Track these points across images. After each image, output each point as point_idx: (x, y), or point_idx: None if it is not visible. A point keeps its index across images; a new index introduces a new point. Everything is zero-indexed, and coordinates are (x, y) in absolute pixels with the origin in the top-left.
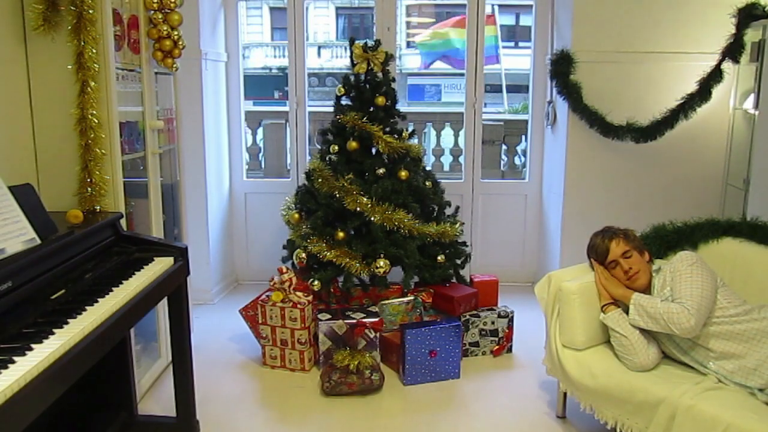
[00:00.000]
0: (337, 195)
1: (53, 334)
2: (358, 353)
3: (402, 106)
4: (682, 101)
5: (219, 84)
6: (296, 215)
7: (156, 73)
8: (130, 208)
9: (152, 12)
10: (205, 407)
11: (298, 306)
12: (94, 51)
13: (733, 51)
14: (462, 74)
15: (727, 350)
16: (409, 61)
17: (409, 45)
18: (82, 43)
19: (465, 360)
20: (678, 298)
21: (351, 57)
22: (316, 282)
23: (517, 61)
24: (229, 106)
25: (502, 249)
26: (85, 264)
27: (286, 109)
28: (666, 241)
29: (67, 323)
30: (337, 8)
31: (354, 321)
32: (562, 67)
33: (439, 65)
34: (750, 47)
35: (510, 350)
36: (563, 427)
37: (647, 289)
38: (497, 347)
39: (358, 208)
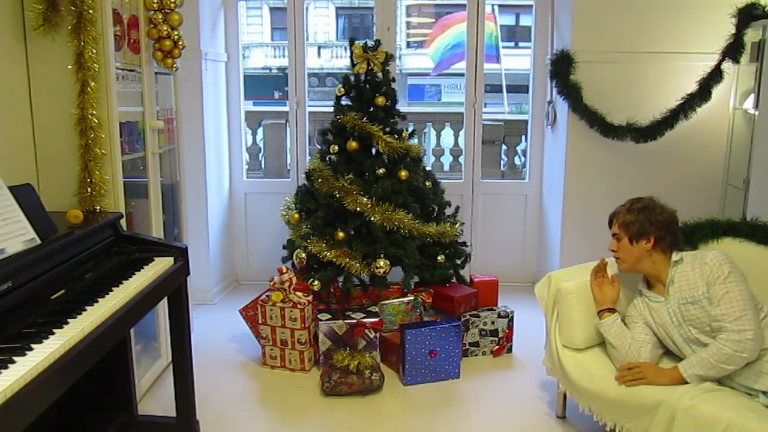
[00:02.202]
0: (337, 195)
1: (53, 334)
2: (358, 353)
3: (402, 106)
4: (682, 101)
5: (219, 84)
6: (296, 215)
7: (156, 73)
8: (130, 208)
9: (152, 12)
10: (205, 407)
11: (298, 306)
12: (94, 51)
13: (733, 51)
14: (462, 74)
15: None
16: (409, 61)
17: (409, 45)
18: (82, 43)
19: (465, 360)
20: (723, 315)
21: (351, 57)
22: (316, 282)
23: (517, 61)
24: (229, 106)
25: (502, 249)
26: (85, 264)
27: (286, 109)
28: None
29: (67, 323)
30: (337, 8)
31: (354, 321)
32: (562, 67)
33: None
34: (750, 47)
35: (510, 350)
36: (563, 427)
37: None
38: (497, 347)
39: (358, 208)
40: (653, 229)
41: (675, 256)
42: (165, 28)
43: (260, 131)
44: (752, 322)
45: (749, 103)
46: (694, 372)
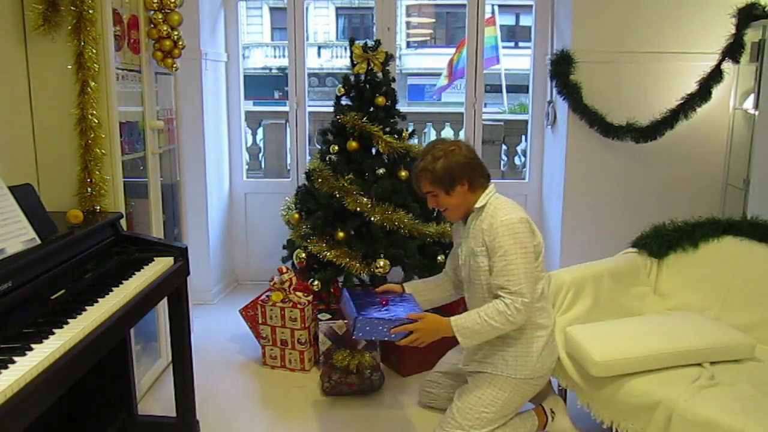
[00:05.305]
0: (337, 195)
1: (53, 334)
2: (358, 353)
3: (402, 106)
4: (682, 101)
5: (219, 84)
6: (296, 215)
7: (156, 73)
8: (130, 208)
9: (152, 12)
10: (205, 407)
11: (298, 306)
12: (94, 51)
13: (733, 51)
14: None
15: None
16: (409, 61)
17: (409, 45)
18: (82, 43)
19: None
20: (500, 288)
21: (351, 57)
22: (316, 282)
23: (517, 61)
24: (229, 106)
25: None
26: (85, 264)
27: (286, 109)
28: (666, 240)
29: (67, 323)
30: (337, 8)
31: None
32: (562, 67)
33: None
34: (750, 47)
35: None
36: None
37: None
38: None
39: (358, 208)
40: (461, 174)
41: (481, 200)
42: (165, 28)
43: (260, 131)
44: (527, 294)
45: (749, 103)
46: (461, 323)
